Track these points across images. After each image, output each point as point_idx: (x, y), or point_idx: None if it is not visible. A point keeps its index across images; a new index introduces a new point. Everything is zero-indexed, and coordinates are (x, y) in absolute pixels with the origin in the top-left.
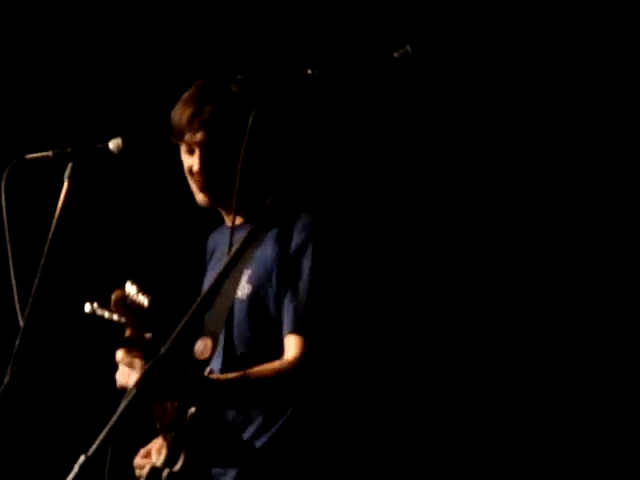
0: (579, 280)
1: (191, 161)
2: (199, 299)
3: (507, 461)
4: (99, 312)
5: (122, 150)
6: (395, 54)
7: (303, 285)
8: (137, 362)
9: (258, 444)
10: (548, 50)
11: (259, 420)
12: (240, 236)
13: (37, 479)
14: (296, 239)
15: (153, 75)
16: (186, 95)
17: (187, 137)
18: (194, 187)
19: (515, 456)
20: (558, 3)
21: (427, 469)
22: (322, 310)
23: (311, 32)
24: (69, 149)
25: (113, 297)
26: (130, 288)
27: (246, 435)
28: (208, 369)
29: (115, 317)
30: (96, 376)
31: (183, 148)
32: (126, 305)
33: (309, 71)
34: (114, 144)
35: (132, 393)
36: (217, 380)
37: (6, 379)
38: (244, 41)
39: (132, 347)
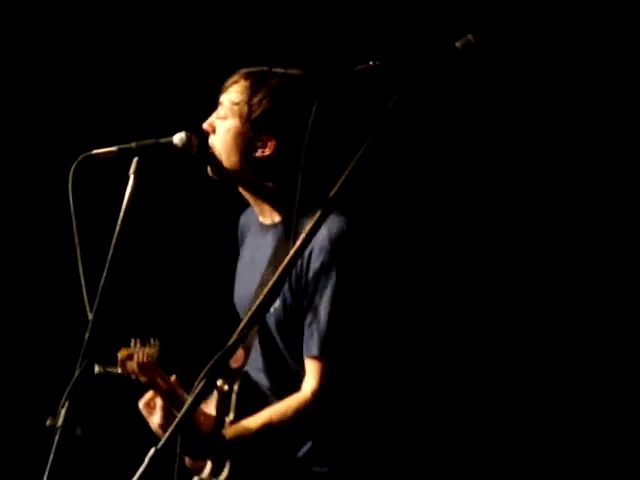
0: (579, 280)
1: (219, 125)
2: (254, 308)
3: (507, 461)
4: (109, 370)
5: (186, 144)
6: (457, 44)
7: (324, 308)
8: (153, 417)
9: (309, 462)
10: (551, 50)
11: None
12: (278, 235)
13: (109, 471)
14: (315, 260)
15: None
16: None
17: (230, 97)
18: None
19: (515, 456)
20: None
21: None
22: (344, 335)
23: (371, 24)
24: (134, 144)
25: (119, 357)
26: (135, 344)
27: (298, 452)
28: (237, 385)
29: (125, 375)
30: None
31: (220, 109)
32: (134, 362)
33: (371, 62)
34: (179, 138)
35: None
36: (240, 437)
37: (76, 373)
38: (302, 32)
39: (154, 394)
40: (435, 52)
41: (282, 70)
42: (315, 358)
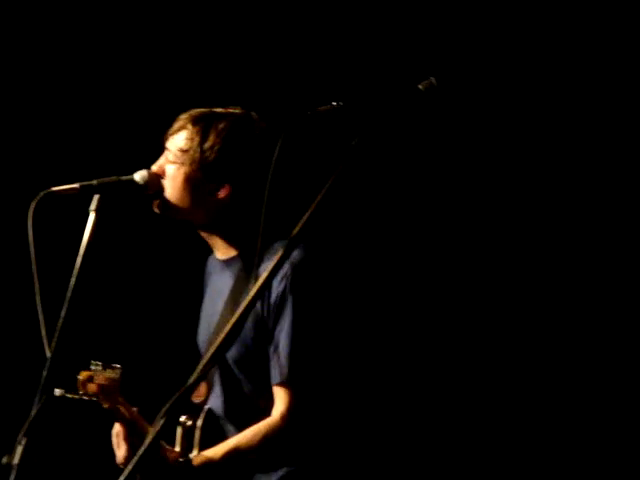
0: (579, 280)
1: (170, 169)
2: (221, 338)
3: (507, 461)
4: (69, 396)
5: (148, 182)
6: (420, 86)
7: (286, 335)
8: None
9: None
10: (550, 57)
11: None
12: (235, 270)
13: None
14: (277, 288)
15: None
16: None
17: (177, 145)
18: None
19: (515, 456)
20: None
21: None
22: (308, 360)
23: (334, 65)
24: (95, 181)
25: (79, 379)
26: (96, 367)
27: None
28: (201, 420)
29: (85, 397)
30: None
31: (169, 154)
32: (95, 384)
33: (333, 103)
34: (140, 176)
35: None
36: (204, 463)
37: (33, 411)
38: (263, 74)
39: (116, 420)
40: (398, 94)
41: (225, 110)
42: (281, 385)
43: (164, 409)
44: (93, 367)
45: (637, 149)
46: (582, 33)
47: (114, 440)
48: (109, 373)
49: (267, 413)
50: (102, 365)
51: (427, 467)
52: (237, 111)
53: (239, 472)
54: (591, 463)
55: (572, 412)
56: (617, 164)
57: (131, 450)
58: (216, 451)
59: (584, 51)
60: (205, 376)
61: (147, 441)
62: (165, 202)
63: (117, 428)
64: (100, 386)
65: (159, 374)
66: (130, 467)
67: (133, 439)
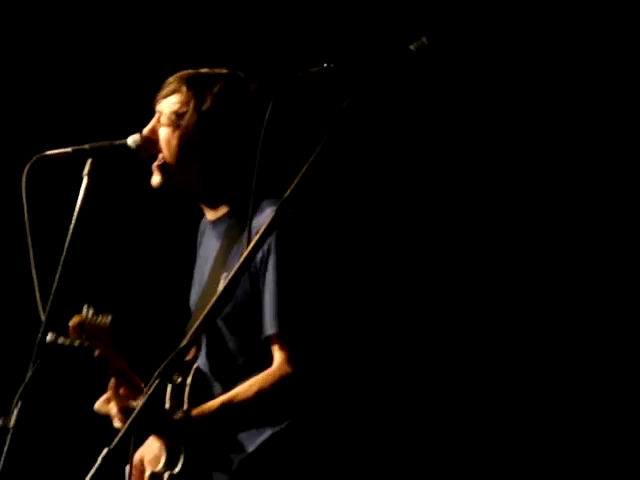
0: (578, 281)
1: (164, 132)
2: (213, 301)
3: (507, 461)
4: (60, 340)
5: (141, 146)
6: (411, 47)
7: (274, 285)
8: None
9: (252, 448)
10: (552, 50)
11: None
12: (223, 229)
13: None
14: (268, 240)
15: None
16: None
17: (172, 108)
18: (155, 165)
19: (515, 456)
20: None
21: (425, 470)
22: (297, 309)
23: (324, 26)
24: (88, 145)
25: (70, 324)
26: (87, 312)
27: (247, 439)
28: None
29: (76, 343)
30: None
31: (162, 117)
32: (86, 329)
33: (325, 65)
34: (133, 140)
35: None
36: (202, 415)
37: (29, 373)
38: (258, 35)
39: (106, 369)
40: (389, 54)
41: (214, 71)
42: (274, 337)
43: (158, 370)
44: (84, 312)
45: (637, 149)
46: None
47: (102, 409)
48: (100, 318)
49: (250, 371)
50: (94, 310)
51: (411, 439)
52: (226, 71)
53: (236, 426)
54: (590, 463)
55: (572, 412)
56: (617, 161)
57: (120, 402)
58: (213, 403)
59: (580, 28)
60: (198, 338)
61: (141, 402)
62: (164, 169)
63: (102, 398)
64: (91, 330)
65: (151, 333)
66: (124, 428)
67: (122, 389)
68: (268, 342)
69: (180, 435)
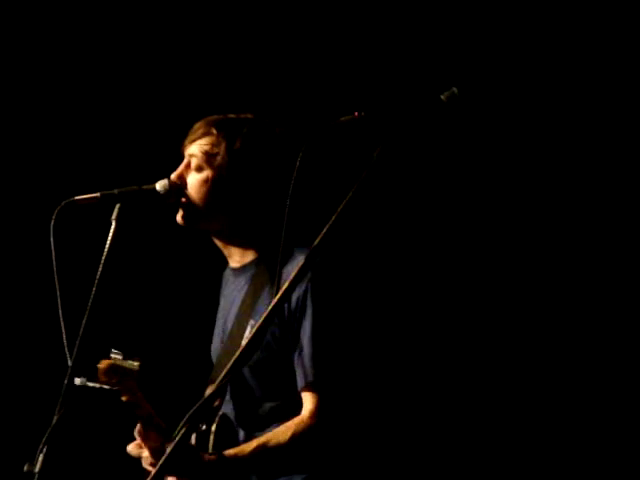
0: (578, 281)
1: (193, 176)
2: (241, 349)
3: (507, 461)
4: (90, 384)
5: (168, 191)
6: (442, 96)
7: (308, 338)
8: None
9: None
10: (564, 68)
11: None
12: (249, 275)
13: None
14: (298, 291)
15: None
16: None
17: (204, 149)
18: (181, 204)
19: (515, 456)
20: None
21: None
22: (335, 362)
23: (356, 75)
24: (116, 190)
25: (99, 367)
26: (116, 355)
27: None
28: (215, 425)
29: (106, 386)
30: None
31: (190, 161)
32: (115, 373)
33: (356, 114)
34: (161, 185)
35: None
36: (235, 457)
37: (55, 418)
38: (287, 81)
39: (134, 413)
40: (420, 104)
41: (240, 116)
42: (307, 387)
43: (186, 417)
44: (113, 356)
45: (637, 149)
46: (598, 47)
47: (134, 452)
48: (129, 364)
49: (275, 417)
50: (122, 355)
51: (436, 473)
52: (251, 116)
53: (266, 470)
54: (591, 463)
55: (572, 412)
56: (619, 165)
57: (150, 444)
58: (245, 446)
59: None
60: (225, 387)
61: (169, 449)
62: (189, 210)
63: (134, 444)
64: (119, 375)
65: (170, 380)
66: (157, 469)
67: (148, 434)
68: (302, 390)
69: (210, 477)
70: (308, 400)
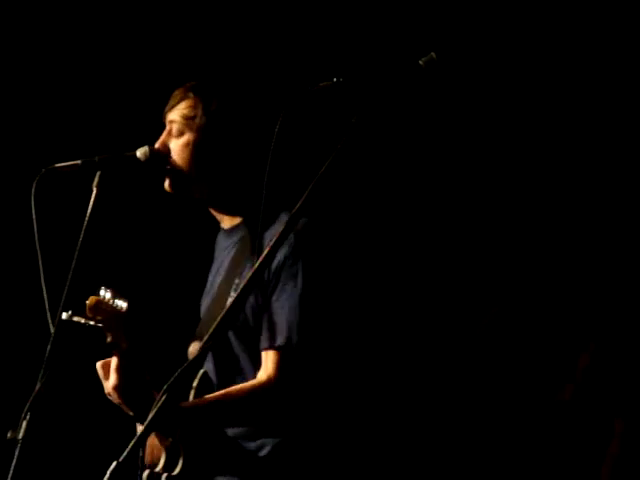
0: (578, 280)
1: (175, 142)
2: (223, 313)
3: (506, 461)
4: (76, 319)
5: (149, 158)
6: (420, 62)
7: (290, 300)
8: (111, 374)
9: (261, 454)
10: (554, 54)
11: (261, 432)
12: (237, 237)
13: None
14: (279, 254)
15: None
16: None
17: (182, 113)
18: (165, 170)
19: (514, 456)
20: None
21: (423, 471)
22: (303, 328)
23: (335, 40)
24: (97, 158)
25: (87, 303)
26: (105, 293)
27: (249, 445)
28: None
29: (92, 322)
30: None
31: (172, 127)
32: (102, 310)
33: (334, 79)
34: (141, 152)
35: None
36: (194, 407)
37: (38, 385)
38: (265, 48)
39: (113, 353)
40: (399, 69)
41: (219, 79)
42: (271, 349)
43: (166, 385)
44: (102, 293)
45: (637, 149)
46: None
47: (100, 372)
48: (117, 303)
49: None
50: (112, 293)
51: (413, 446)
52: (228, 80)
53: (224, 426)
54: (590, 463)
55: (572, 412)
56: (617, 162)
57: (123, 381)
58: (203, 398)
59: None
60: (207, 352)
61: (149, 417)
62: (175, 176)
63: (105, 361)
64: (106, 313)
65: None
66: (133, 441)
67: (126, 374)
68: (265, 350)
69: (173, 428)
70: (270, 361)
